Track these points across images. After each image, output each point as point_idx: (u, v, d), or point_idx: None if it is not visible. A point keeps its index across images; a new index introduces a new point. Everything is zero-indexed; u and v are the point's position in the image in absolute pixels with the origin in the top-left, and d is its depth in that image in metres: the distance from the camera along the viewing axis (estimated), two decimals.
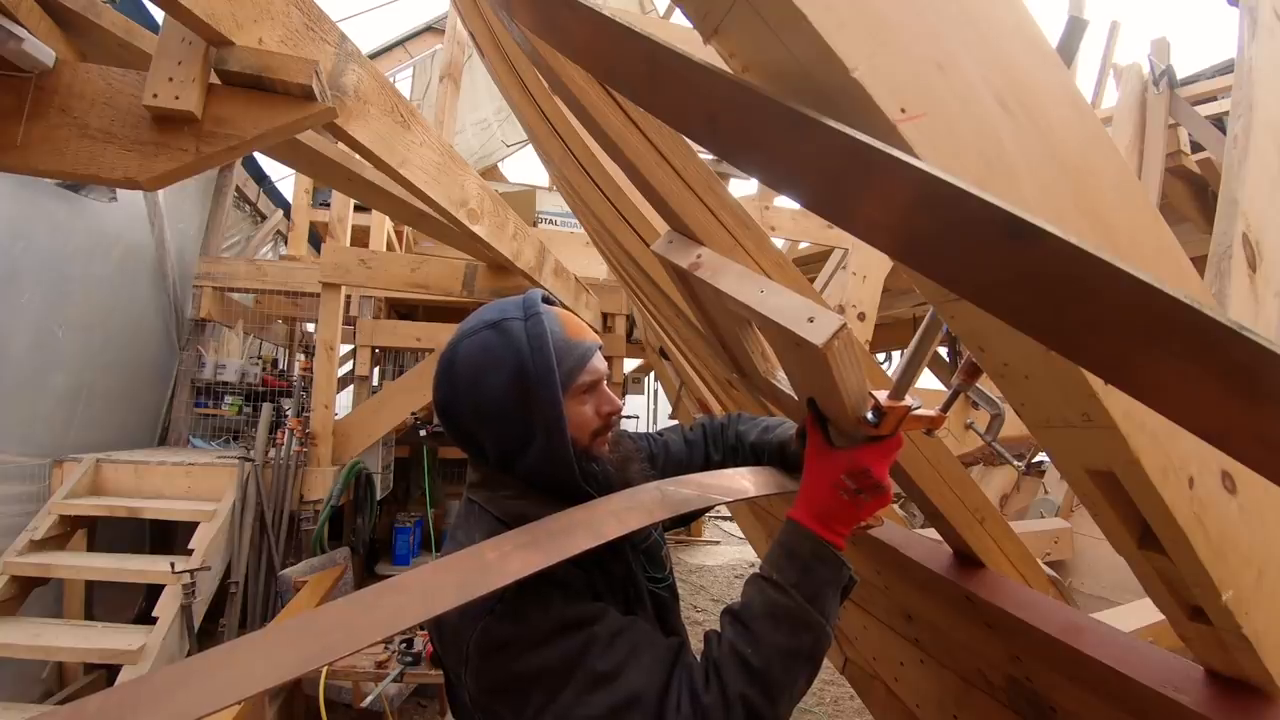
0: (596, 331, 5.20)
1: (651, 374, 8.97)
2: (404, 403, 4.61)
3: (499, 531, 0.80)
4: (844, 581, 0.84)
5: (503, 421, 0.88)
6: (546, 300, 0.95)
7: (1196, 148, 3.38)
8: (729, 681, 0.76)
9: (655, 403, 11.69)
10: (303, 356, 6.40)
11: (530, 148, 5.92)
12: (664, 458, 1.18)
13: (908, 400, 0.80)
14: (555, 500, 0.86)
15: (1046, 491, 3.85)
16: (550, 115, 1.55)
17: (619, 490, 0.90)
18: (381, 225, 5.64)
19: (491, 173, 7.14)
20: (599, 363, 0.94)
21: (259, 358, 6.22)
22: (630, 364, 7.85)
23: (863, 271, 2.91)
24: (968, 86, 0.50)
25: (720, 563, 7.47)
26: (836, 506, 0.83)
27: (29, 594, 3.47)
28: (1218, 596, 0.59)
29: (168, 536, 4.43)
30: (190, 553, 3.53)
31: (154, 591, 3.56)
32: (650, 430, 1.30)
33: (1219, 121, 3.12)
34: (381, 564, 5.23)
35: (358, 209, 5.33)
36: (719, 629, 0.83)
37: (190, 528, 3.76)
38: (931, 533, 1.14)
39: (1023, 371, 0.61)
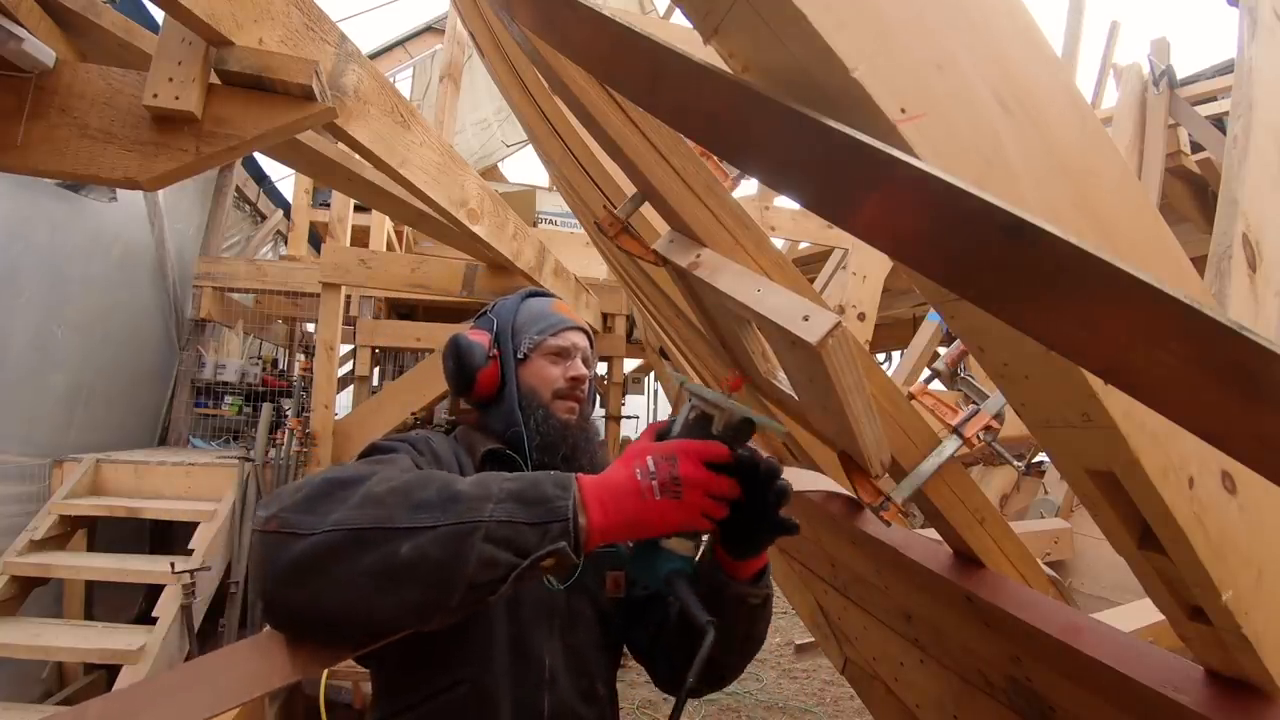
0: (597, 332, 5.24)
1: (651, 374, 8.97)
2: (404, 403, 4.60)
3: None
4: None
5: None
6: (545, 293, 1.16)
7: (1196, 148, 3.38)
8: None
9: (655, 403, 11.69)
10: (303, 356, 6.40)
11: (530, 148, 5.92)
12: None
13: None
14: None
15: (1046, 491, 3.85)
16: (550, 115, 1.55)
17: (564, 454, 1.02)
18: (381, 225, 5.64)
19: (491, 173, 7.13)
20: (576, 338, 1.10)
21: (259, 358, 6.22)
22: (630, 364, 7.84)
23: (863, 271, 2.91)
24: (968, 87, 0.50)
25: None
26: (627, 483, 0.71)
27: (29, 594, 3.47)
28: (1218, 596, 0.59)
29: (168, 536, 4.43)
30: (190, 553, 3.53)
31: (154, 591, 3.56)
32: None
33: (1219, 121, 3.11)
34: None
35: (358, 209, 5.33)
36: None
37: (190, 528, 3.76)
38: (931, 533, 1.14)
39: (1023, 371, 0.61)
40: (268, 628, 0.72)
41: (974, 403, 1.17)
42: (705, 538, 0.80)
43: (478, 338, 1.07)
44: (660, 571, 0.72)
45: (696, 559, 0.75)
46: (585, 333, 1.13)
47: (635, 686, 4.16)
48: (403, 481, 0.70)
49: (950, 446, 0.95)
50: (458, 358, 1.06)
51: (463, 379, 1.06)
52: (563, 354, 1.08)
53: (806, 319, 0.65)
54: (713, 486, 0.69)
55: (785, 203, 3.76)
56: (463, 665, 0.91)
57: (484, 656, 0.92)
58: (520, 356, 1.07)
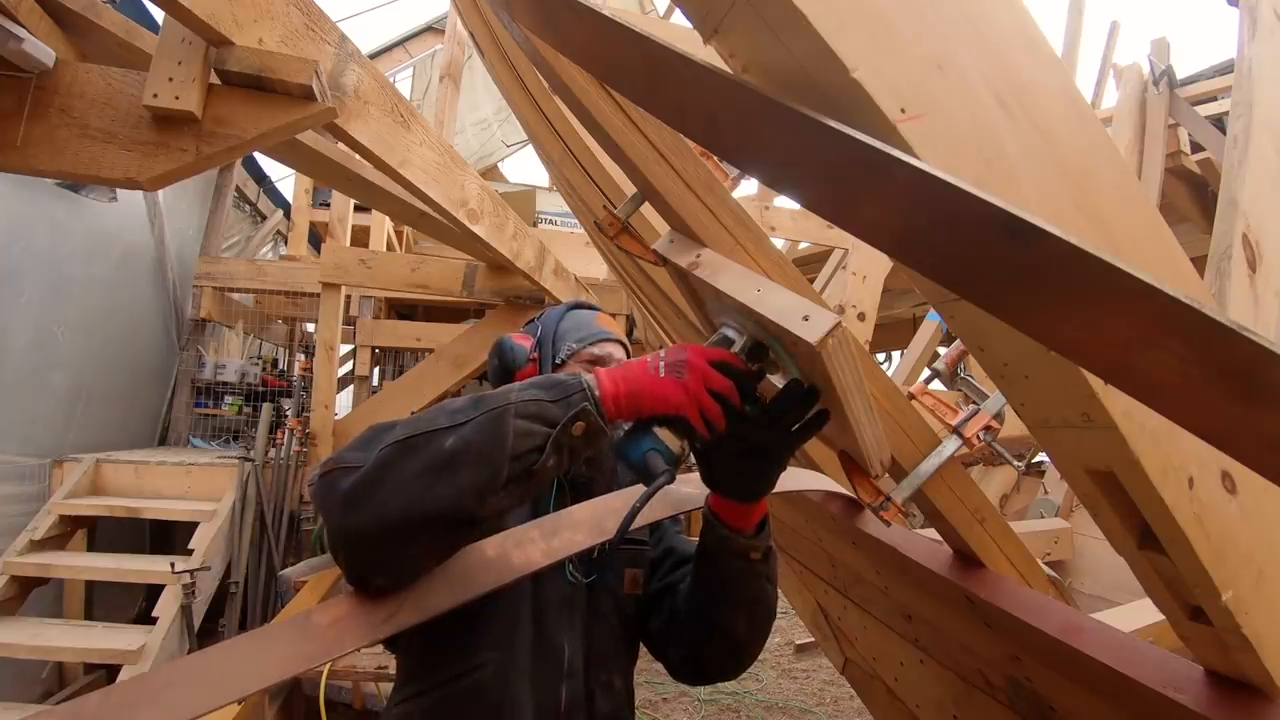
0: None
1: None
2: (404, 403, 4.60)
3: None
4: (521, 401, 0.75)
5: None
6: (590, 306, 1.21)
7: (1196, 148, 3.38)
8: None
9: None
10: (303, 356, 6.41)
11: (530, 148, 5.92)
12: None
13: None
14: None
15: (1046, 491, 3.85)
16: (551, 116, 1.55)
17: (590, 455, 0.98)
18: (381, 225, 5.64)
19: (491, 173, 7.14)
20: (613, 349, 1.14)
21: (259, 358, 6.22)
22: None
23: (863, 271, 2.91)
24: (968, 87, 0.50)
25: None
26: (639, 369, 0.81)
27: (29, 594, 3.47)
28: (1218, 596, 0.59)
29: (168, 536, 4.43)
30: (190, 553, 3.53)
31: (154, 591, 3.56)
32: None
33: (1219, 121, 3.11)
34: None
35: (358, 209, 5.33)
36: None
37: (190, 528, 3.76)
38: (931, 533, 1.14)
39: (1023, 371, 0.61)
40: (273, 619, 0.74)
41: (974, 403, 1.17)
42: (691, 457, 0.83)
43: (521, 341, 1.15)
44: (643, 448, 0.77)
45: (680, 459, 0.79)
46: (623, 346, 1.18)
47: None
48: (437, 405, 0.79)
49: (950, 446, 0.95)
50: (500, 357, 1.13)
51: (504, 377, 1.13)
52: (597, 363, 1.12)
53: (806, 319, 0.65)
54: (712, 379, 0.75)
55: (785, 203, 3.76)
56: (486, 650, 0.94)
57: (507, 643, 0.94)
58: (558, 361, 1.13)
